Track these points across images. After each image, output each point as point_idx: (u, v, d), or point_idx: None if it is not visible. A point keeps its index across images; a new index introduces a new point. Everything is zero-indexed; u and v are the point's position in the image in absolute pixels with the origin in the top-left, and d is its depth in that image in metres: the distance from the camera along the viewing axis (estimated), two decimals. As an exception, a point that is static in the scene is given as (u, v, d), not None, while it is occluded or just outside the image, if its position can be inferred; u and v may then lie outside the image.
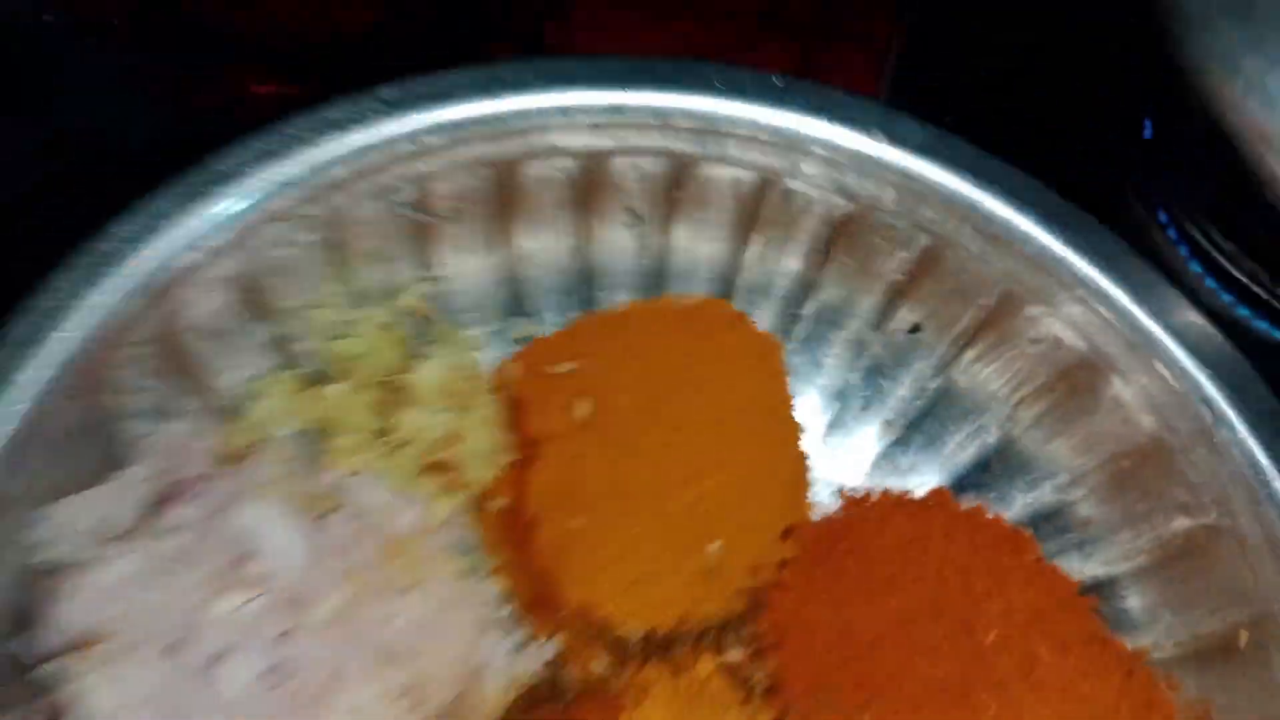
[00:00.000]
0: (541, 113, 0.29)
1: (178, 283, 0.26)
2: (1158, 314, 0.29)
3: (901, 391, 0.33)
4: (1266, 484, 0.27)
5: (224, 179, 0.27)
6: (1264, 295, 0.33)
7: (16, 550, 0.24)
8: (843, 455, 0.33)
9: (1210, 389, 0.28)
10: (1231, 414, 0.28)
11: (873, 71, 0.42)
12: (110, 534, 0.25)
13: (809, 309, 0.33)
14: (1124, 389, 0.30)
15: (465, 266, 0.31)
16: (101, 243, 0.26)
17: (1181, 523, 0.29)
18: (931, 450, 0.33)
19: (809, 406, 0.33)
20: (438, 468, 0.29)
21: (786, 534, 0.31)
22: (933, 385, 0.33)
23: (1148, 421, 0.29)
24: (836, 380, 0.33)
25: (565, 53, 0.43)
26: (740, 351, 0.32)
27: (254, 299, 0.28)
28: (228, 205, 0.26)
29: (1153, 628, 0.30)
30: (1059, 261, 0.29)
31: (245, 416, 0.27)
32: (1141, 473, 0.30)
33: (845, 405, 0.33)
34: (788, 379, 0.32)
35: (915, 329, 0.33)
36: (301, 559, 0.25)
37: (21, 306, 0.25)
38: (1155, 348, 0.29)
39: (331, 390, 0.28)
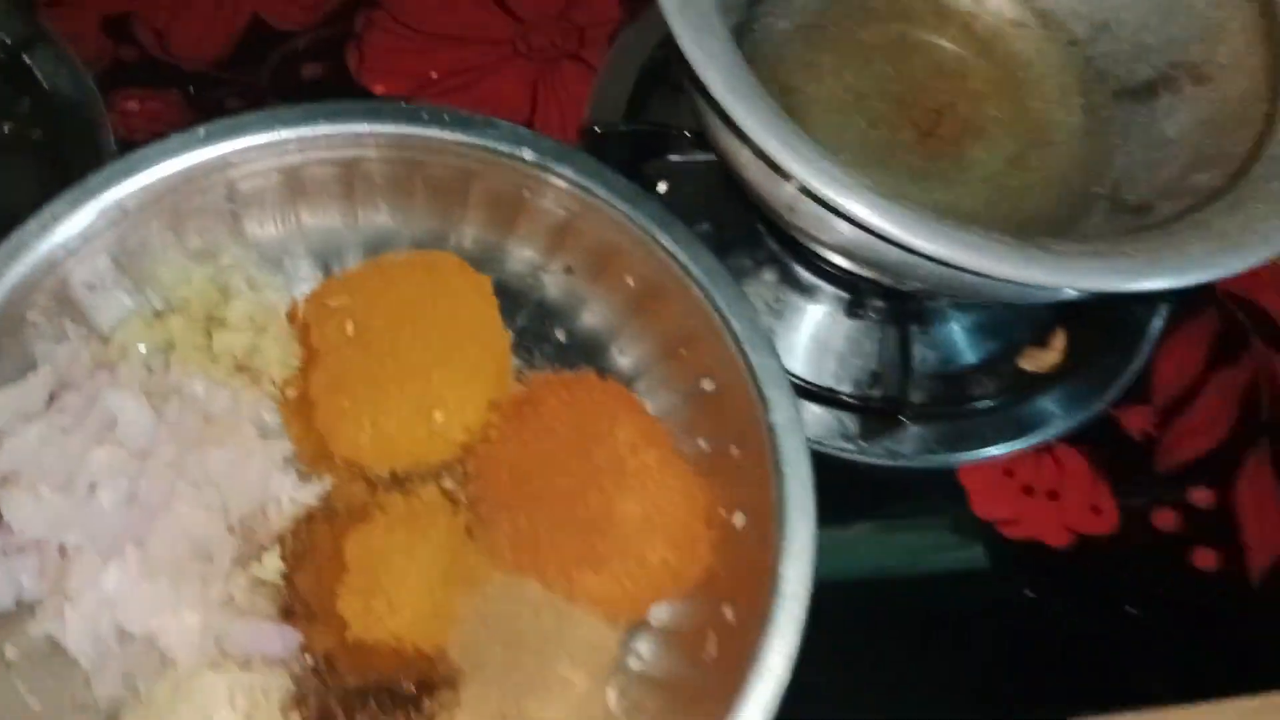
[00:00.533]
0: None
1: (68, 257, 0.41)
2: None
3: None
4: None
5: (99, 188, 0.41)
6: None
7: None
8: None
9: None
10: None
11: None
12: (24, 413, 0.39)
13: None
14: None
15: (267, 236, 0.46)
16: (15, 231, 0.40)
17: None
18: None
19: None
20: (246, 370, 0.44)
21: (493, 407, 0.46)
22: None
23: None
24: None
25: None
26: (461, 286, 0.47)
27: (120, 265, 0.43)
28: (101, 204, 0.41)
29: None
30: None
31: (114, 339, 0.42)
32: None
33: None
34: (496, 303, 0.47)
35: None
36: (149, 426, 0.40)
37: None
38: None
39: (172, 320, 0.43)
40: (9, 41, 0.52)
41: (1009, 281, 0.36)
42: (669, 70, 0.56)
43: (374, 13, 0.57)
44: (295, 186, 0.44)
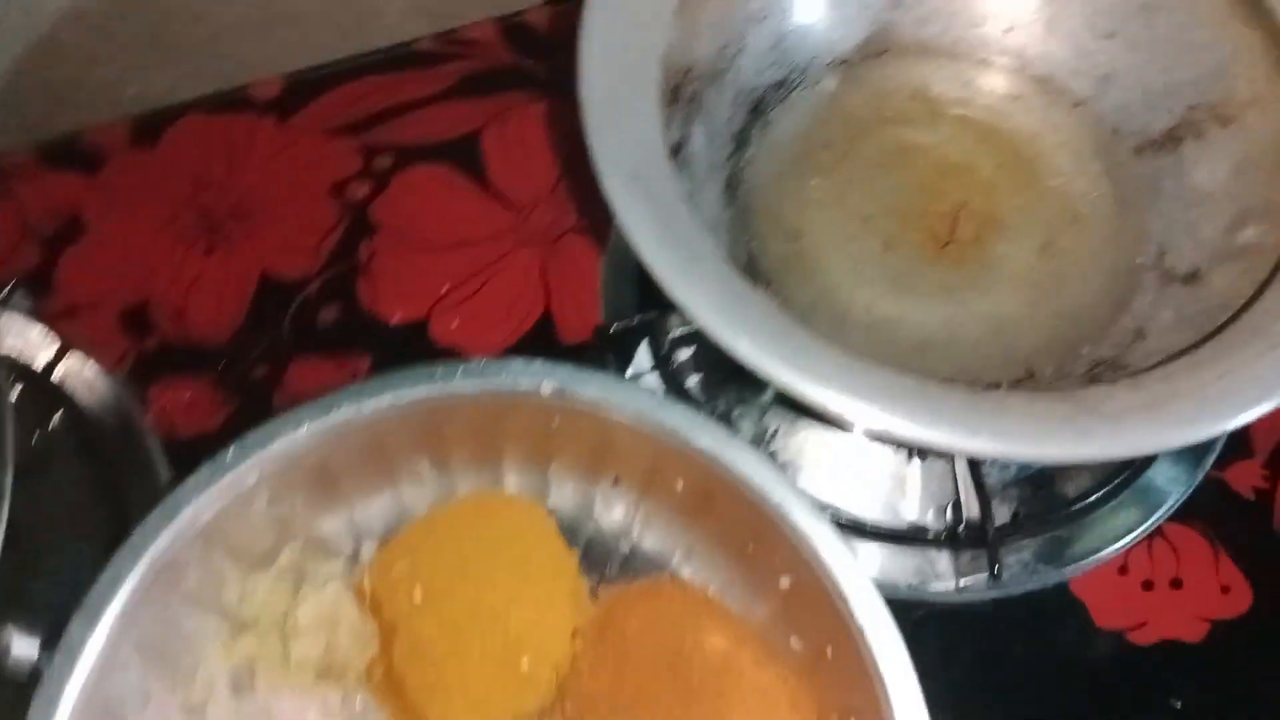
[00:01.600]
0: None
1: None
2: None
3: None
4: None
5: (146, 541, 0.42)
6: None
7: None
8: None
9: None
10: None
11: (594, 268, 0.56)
12: None
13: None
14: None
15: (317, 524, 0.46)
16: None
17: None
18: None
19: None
20: (329, 666, 0.44)
21: (576, 634, 0.45)
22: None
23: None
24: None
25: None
26: (516, 520, 0.47)
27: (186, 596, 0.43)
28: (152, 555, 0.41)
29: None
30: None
31: (197, 677, 0.42)
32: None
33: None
34: (555, 527, 0.46)
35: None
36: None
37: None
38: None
39: (246, 639, 0.43)
40: (34, 368, 0.54)
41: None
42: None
43: (375, 239, 0.58)
44: (331, 472, 0.44)
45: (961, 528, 0.46)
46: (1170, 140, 0.47)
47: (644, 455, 0.44)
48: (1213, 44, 0.45)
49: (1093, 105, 0.50)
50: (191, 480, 0.41)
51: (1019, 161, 0.49)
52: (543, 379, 0.43)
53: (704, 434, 0.41)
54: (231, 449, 0.42)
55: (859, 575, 0.39)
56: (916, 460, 0.48)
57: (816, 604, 0.40)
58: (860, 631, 0.38)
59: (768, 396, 0.51)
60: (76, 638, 0.39)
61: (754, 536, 0.42)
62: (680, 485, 0.44)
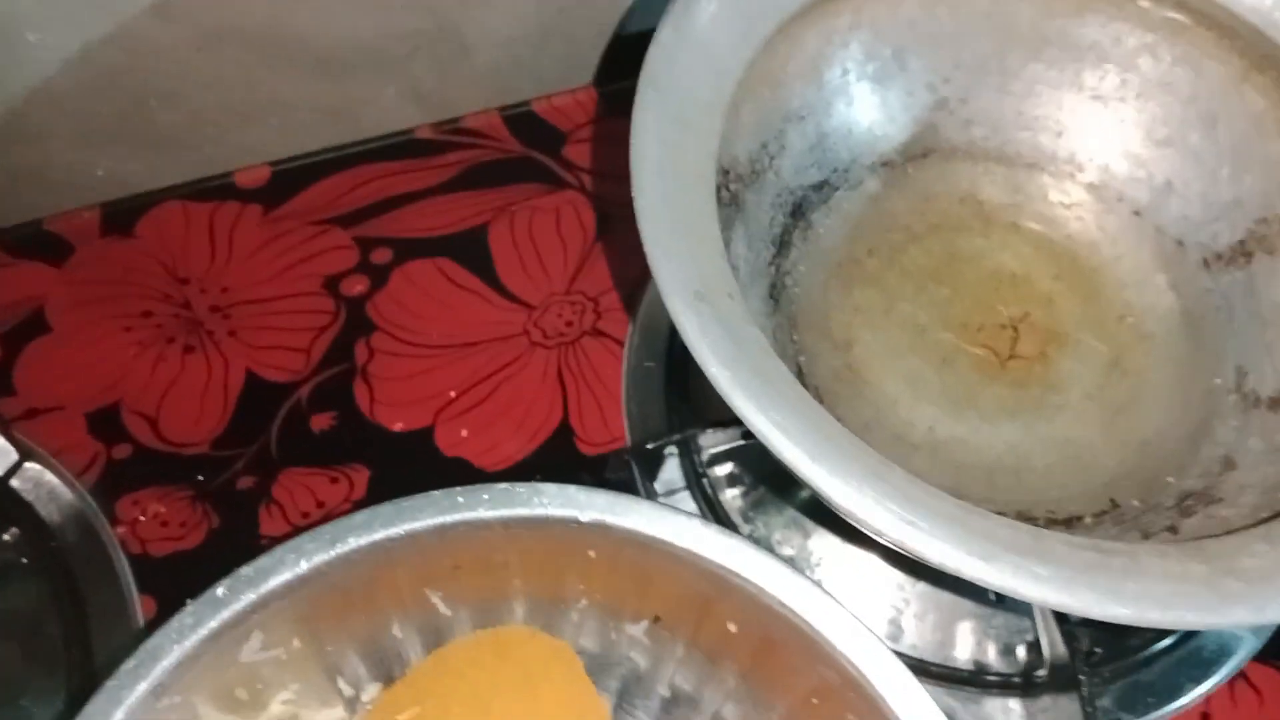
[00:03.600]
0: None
1: None
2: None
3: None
4: None
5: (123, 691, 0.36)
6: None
7: None
8: None
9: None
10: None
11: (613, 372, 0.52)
12: None
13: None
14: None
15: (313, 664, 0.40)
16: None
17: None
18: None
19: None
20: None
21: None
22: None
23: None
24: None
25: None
26: (540, 658, 0.41)
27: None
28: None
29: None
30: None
31: None
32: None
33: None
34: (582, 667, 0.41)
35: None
36: None
37: None
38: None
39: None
40: (-6, 476, 0.48)
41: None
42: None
43: (373, 337, 0.53)
44: (332, 608, 0.39)
45: (1042, 671, 0.42)
46: (1240, 254, 0.44)
47: (692, 592, 0.39)
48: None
49: (1152, 215, 0.47)
50: (175, 622, 0.36)
51: (1079, 272, 0.46)
52: (579, 508, 0.38)
53: (767, 573, 0.37)
54: (222, 586, 0.37)
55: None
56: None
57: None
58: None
59: (811, 521, 0.47)
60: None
61: (821, 691, 0.37)
62: (733, 627, 0.39)
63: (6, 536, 0.48)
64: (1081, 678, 0.39)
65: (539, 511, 0.38)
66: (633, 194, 0.34)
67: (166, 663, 0.35)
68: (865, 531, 0.31)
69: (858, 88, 0.47)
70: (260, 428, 0.51)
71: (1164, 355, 0.44)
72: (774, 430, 0.31)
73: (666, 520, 0.38)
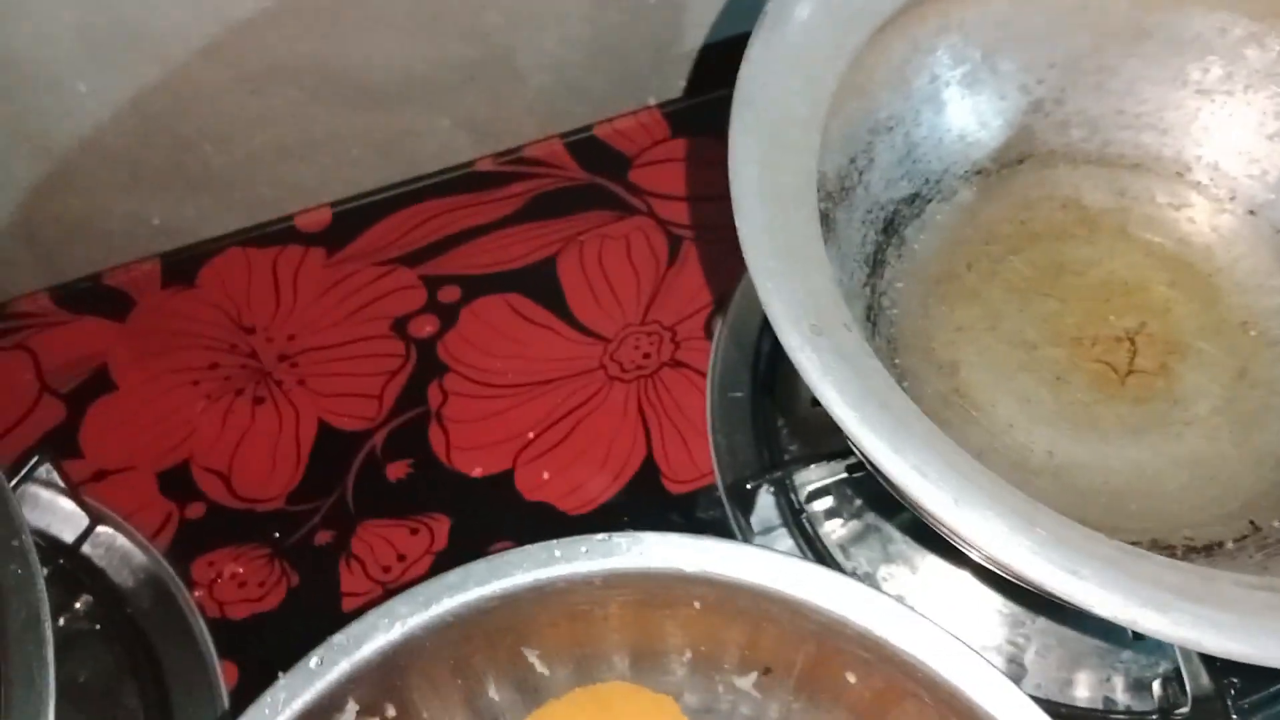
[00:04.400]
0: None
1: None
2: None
3: None
4: None
5: None
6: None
7: None
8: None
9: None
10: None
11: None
12: None
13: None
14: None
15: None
16: None
17: None
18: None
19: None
20: None
21: None
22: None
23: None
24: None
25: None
26: (645, 713, 0.39)
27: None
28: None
29: None
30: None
31: None
32: None
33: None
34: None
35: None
36: None
37: None
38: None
39: None
40: (65, 541, 0.46)
41: None
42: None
43: (446, 378, 0.51)
44: (427, 673, 0.37)
45: (1184, 709, 0.39)
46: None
47: (805, 641, 0.36)
48: None
49: (1269, 213, 0.44)
50: (268, 697, 0.34)
51: (1195, 278, 0.43)
52: (683, 559, 0.36)
53: (891, 621, 0.34)
54: (315, 656, 0.34)
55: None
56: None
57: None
58: None
59: (916, 552, 0.44)
60: None
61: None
62: (853, 679, 0.36)
63: (79, 605, 0.47)
64: (1235, 717, 0.36)
65: (640, 564, 0.36)
66: (736, 221, 0.32)
67: (261, 740, 0.33)
68: (1018, 583, 0.29)
69: (947, 94, 0.44)
70: (335, 479, 0.49)
71: (1297, 363, 0.41)
72: (914, 475, 0.29)
73: (776, 567, 0.35)
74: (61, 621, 0.46)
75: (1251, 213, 0.44)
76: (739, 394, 0.48)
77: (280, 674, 0.34)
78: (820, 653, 0.36)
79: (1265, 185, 0.44)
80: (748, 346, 0.50)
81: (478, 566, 0.36)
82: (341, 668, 0.35)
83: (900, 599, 0.41)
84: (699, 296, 0.53)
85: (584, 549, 0.36)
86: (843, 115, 0.42)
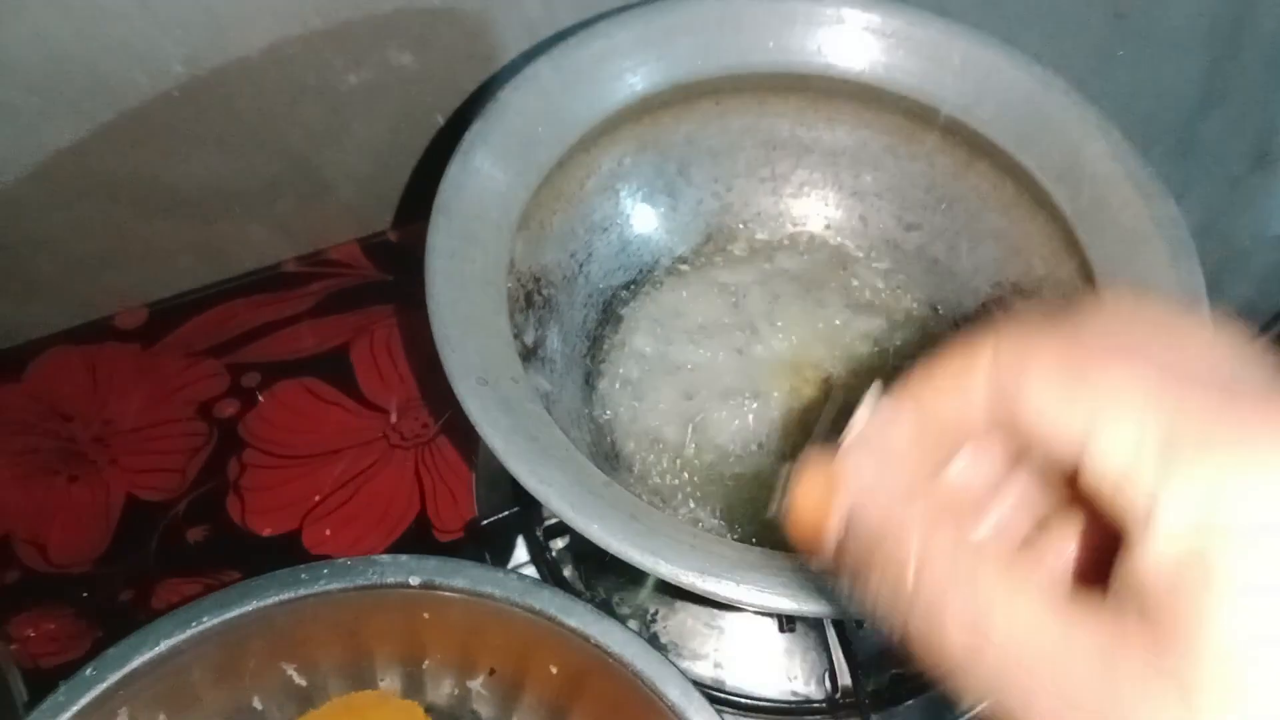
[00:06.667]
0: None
1: None
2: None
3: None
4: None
5: None
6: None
7: None
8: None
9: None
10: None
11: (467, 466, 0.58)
12: None
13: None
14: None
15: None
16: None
17: None
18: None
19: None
20: None
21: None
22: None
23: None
24: None
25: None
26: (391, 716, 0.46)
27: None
28: None
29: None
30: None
31: None
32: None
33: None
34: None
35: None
36: None
37: None
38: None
39: None
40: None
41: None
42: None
43: (245, 453, 0.58)
44: (194, 684, 0.43)
45: (839, 695, 0.47)
46: (984, 310, 0.52)
47: (516, 642, 0.44)
48: (1007, 229, 0.51)
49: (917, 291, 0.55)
50: (48, 702, 0.40)
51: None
52: (410, 573, 0.43)
53: (573, 614, 0.42)
54: (89, 667, 0.41)
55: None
56: (794, 634, 0.50)
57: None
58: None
59: (648, 583, 0.52)
60: None
61: (627, 713, 0.42)
62: (554, 670, 0.44)
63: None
64: (861, 695, 0.45)
65: (373, 580, 0.43)
66: (427, 299, 0.41)
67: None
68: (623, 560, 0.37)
69: (652, 200, 0.54)
70: (141, 544, 0.55)
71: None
72: (543, 487, 0.37)
73: (487, 577, 0.43)
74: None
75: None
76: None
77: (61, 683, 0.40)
78: (526, 649, 0.44)
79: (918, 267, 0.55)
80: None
81: (232, 590, 0.43)
82: (113, 677, 0.41)
83: (625, 617, 0.49)
84: (472, 375, 0.61)
85: (326, 571, 0.44)
86: (562, 215, 0.51)
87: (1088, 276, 0.47)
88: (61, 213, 0.59)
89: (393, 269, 0.66)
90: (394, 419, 0.60)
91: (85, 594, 0.54)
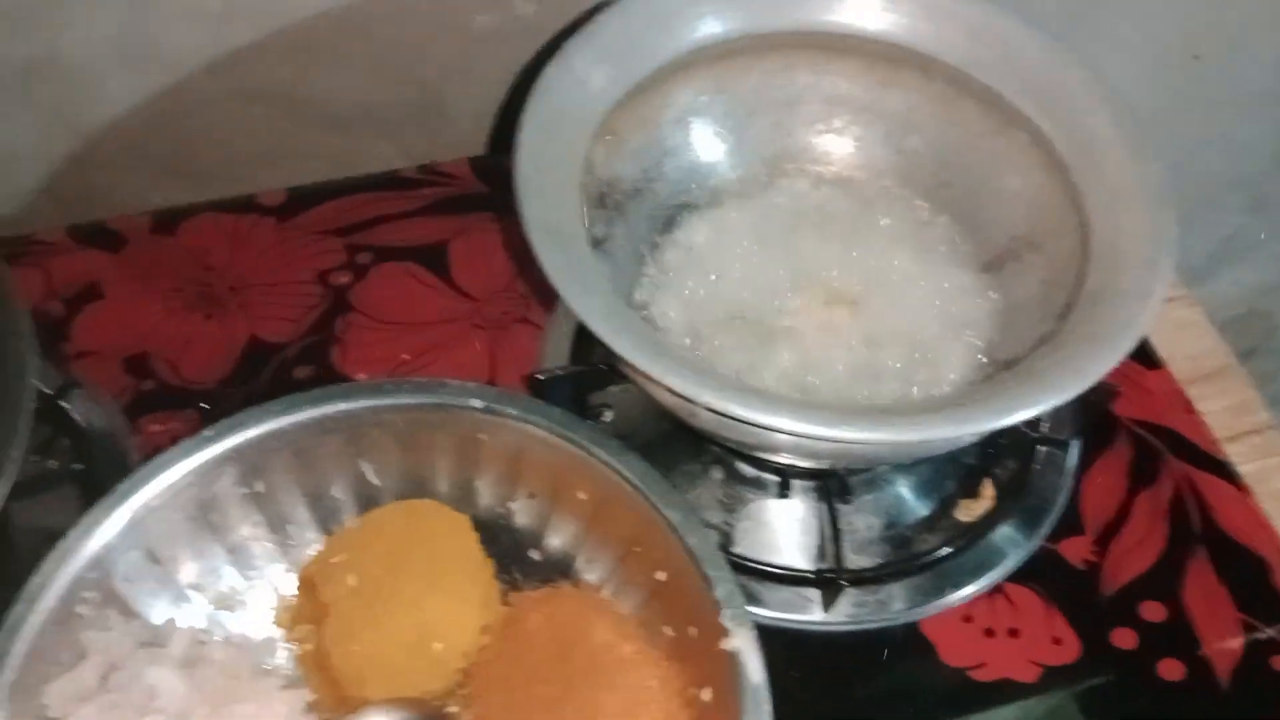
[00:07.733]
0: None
1: (107, 555, 0.49)
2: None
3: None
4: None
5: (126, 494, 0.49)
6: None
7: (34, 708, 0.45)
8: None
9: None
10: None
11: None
12: (80, 696, 0.46)
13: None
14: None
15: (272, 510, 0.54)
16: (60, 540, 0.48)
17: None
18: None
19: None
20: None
21: (485, 630, 0.52)
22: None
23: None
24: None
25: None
26: (442, 526, 0.54)
27: (152, 557, 0.50)
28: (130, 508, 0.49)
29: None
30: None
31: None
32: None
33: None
34: (476, 536, 0.54)
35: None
36: (183, 692, 0.47)
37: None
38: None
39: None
40: (49, 392, 0.62)
41: (868, 443, 0.44)
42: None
43: (350, 316, 0.68)
44: (284, 462, 0.52)
45: (824, 566, 0.55)
46: (998, 260, 0.59)
47: (555, 468, 0.52)
48: (1024, 189, 0.58)
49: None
50: (173, 450, 0.50)
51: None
52: (473, 397, 0.52)
53: (604, 446, 0.50)
54: (211, 429, 0.50)
55: (720, 561, 0.47)
56: (790, 504, 0.58)
57: (686, 591, 0.48)
58: (717, 603, 0.46)
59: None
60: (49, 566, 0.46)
61: (639, 539, 0.50)
62: (583, 495, 0.52)
63: (61, 446, 0.62)
64: (840, 571, 0.53)
65: (443, 399, 0.52)
66: (513, 162, 0.50)
67: (166, 475, 0.49)
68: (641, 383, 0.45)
69: (722, 135, 0.63)
70: (256, 373, 0.65)
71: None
72: (591, 315, 0.46)
73: (536, 407, 0.52)
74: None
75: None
76: (564, 336, 0.65)
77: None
78: (562, 475, 0.52)
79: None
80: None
81: (329, 390, 0.52)
82: (227, 441, 0.51)
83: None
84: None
85: (405, 386, 0.53)
86: (637, 137, 0.60)
87: (1085, 230, 0.54)
88: (229, 109, 0.70)
89: (494, 185, 0.75)
90: (479, 304, 0.69)
91: (205, 406, 0.64)
